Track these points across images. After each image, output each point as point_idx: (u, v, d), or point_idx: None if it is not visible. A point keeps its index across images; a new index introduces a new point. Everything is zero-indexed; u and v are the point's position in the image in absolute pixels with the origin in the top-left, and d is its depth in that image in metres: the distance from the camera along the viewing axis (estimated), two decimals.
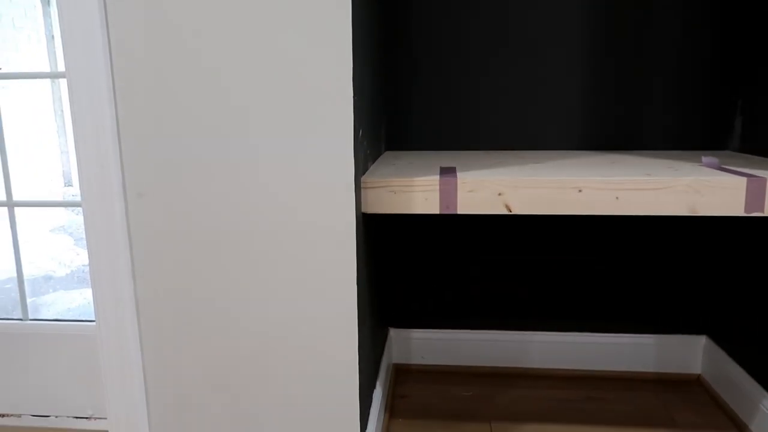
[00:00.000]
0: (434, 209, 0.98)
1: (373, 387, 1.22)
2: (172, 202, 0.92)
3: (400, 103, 1.41)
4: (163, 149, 0.91)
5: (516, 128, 1.40)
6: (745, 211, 0.94)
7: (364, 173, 1.03)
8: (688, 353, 1.47)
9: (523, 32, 1.34)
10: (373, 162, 1.18)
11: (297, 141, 0.88)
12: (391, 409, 1.35)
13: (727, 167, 1.05)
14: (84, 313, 2.24)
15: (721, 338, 1.39)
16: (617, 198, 0.95)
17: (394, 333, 1.54)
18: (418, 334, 1.53)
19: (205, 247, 0.94)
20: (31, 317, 1.29)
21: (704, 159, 1.10)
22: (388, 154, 1.39)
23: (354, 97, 0.87)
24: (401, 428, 1.27)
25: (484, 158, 1.24)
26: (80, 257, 3.12)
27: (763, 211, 0.94)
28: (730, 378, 1.32)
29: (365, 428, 1.05)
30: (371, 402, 1.16)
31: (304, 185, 0.89)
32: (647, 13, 1.31)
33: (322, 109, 0.87)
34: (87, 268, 2.70)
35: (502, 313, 1.50)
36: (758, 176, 0.94)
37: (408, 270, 1.51)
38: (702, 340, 1.46)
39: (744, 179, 0.93)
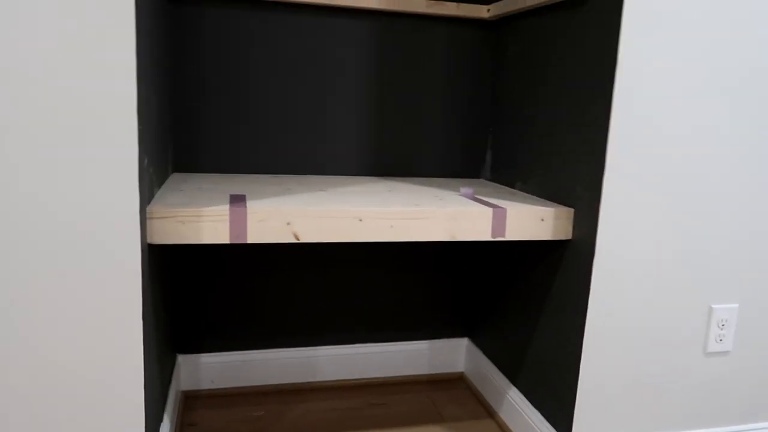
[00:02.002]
0: (224, 239, 1.00)
1: (161, 420, 1.18)
2: None
3: (188, 124, 1.39)
4: None
5: (303, 154, 1.46)
6: (492, 236, 1.13)
7: (150, 201, 1.00)
8: (454, 354, 1.68)
9: (312, 64, 1.42)
10: (159, 187, 1.15)
11: (79, 169, 0.83)
12: None
13: (479, 197, 1.24)
14: None
15: (478, 340, 1.62)
16: (392, 227, 1.07)
17: (182, 359, 1.50)
18: (207, 359, 1.51)
19: None
20: None
21: (462, 190, 1.28)
22: (176, 176, 1.35)
23: (139, 126, 0.85)
24: None
25: (272, 184, 1.29)
26: None
27: (504, 236, 1.14)
28: (485, 373, 1.55)
29: None
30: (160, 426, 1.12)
31: (88, 215, 0.84)
32: (420, 69, 1.48)
33: (107, 140, 0.83)
34: None
35: (289, 332, 1.56)
36: (501, 207, 1.13)
37: (195, 295, 1.48)
38: (464, 342, 1.69)
39: (490, 210, 1.12)
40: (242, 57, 1.38)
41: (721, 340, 1.21)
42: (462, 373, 1.69)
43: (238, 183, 1.28)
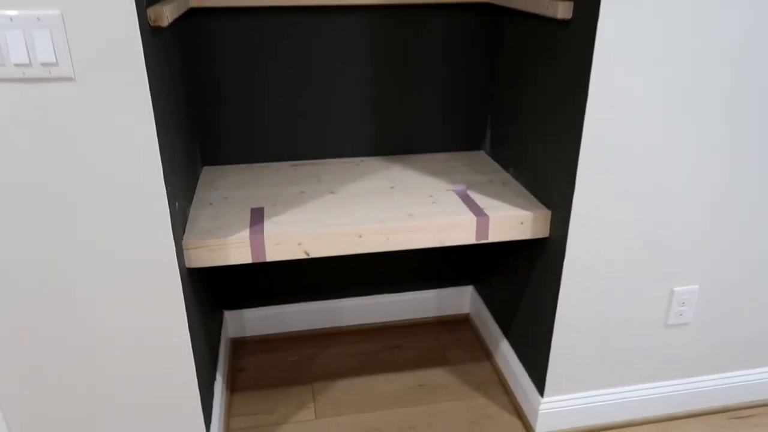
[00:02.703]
0: (248, 260, 1.22)
1: (216, 367, 1.49)
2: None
3: (212, 122, 1.55)
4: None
5: (317, 139, 1.61)
6: (476, 240, 1.30)
7: (184, 227, 1.22)
8: (460, 299, 1.92)
9: (319, 57, 1.52)
10: (191, 202, 1.35)
11: (134, 219, 1.04)
12: (232, 385, 1.64)
13: (470, 194, 1.40)
14: None
15: (480, 289, 1.85)
16: (387, 239, 1.26)
17: (228, 314, 1.79)
18: (249, 313, 1.80)
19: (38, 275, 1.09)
20: None
21: (456, 187, 1.43)
22: (206, 172, 1.55)
23: (167, 187, 1.04)
24: (241, 402, 1.57)
25: (288, 183, 1.46)
26: None
27: (487, 239, 1.31)
28: (484, 320, 1.79)
29: (210, 413, 1.32)
30: (214, 380, 1.43)
31: (140, 251, 1.07)
32: (423, 52, 1.56)
33: (144, 199, 1.03)
34: None
35: (317, 288, 1.82)
36: (485, 215, 1.29)
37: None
38: (469, 289, 1.92)
39: (475, 218, 1.28)
40: (255, 57, 1.50)
41: (680, 314, 1.39)
42: (468, 314, 1.94)
43: (258, 186, 1.46)
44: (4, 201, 0.98)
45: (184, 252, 1.18)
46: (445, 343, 1.81)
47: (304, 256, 1.24)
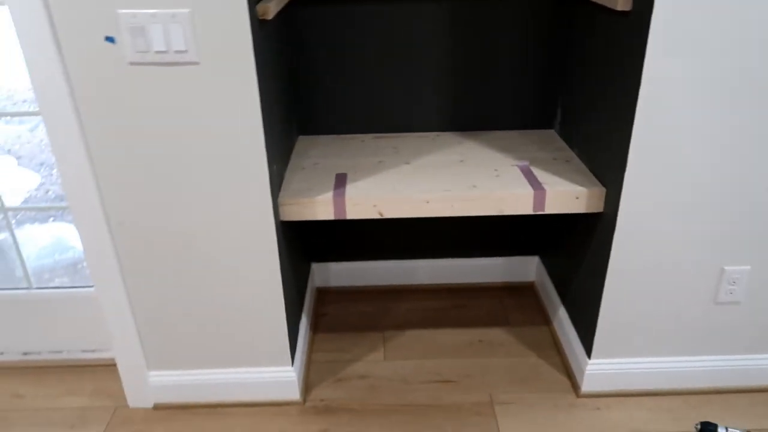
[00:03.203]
0: (330, 216, 1.43)
1: (301, 310, 1.74)
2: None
3: (308, 97, 1.76)
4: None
5: (400, 114, 1.79)
6: (533, 211, 1.44)
7: (280, 186, 1.45)
8: (526, 268, 2.05)
9: (403, 42, 1.69)
10: (287, 165, 1.59)
11: (242, 184, 1.28)
12: (315, 327, 1.89)
13: (531, 170, 1.52)
14: (58, 251, 2.59)
15: (545, 259, 1.97)
16: (452, 206, 1.43)
17: (315, 266, 2.04)
18: (334, 266, 2.04)
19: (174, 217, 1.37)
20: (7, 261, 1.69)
21: (519, 163, 1.57)
22: (301, 140, 1.78)
23: (267, 153, 1.27)
24: (321, 341, 1.82)
25: (369, 154, 1.66)
26: (30, 181, 3.35)
27: (544, 210, 1.44)
28: (546, 288, 1.92)
29: (295, 347, 1.58)
30: (299, 327, 1.68)
31: (246, 207, 1.32)
32: (500, 37, 1.68)
33: (250, 166, 1.27)
34: (40, 193, 2.95)
35: (396, 249, 2.02)
36: (542, 189, 1.42)
37: (324, 224, 1.97)
38: (535, 259, 2.04)
39: (532, 191, 1.42)
40: (345, 40, 1.69)
41: (731, 293, 1.45)
42: (532, 282, 2.07)
43: (343, 155, 1.66)
44: (145, 154, 1.26)
45: (279, 207, 1.41)
46: (507, 307, 1.96)
47: (378, 216, 1.44)
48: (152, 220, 1.33)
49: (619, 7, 1.25)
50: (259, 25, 1.23)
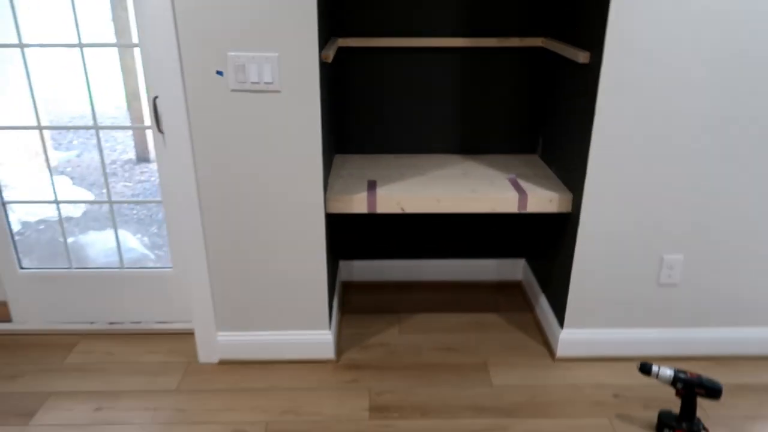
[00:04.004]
0: (364, 210, 1.88)
1: (333, 295, 2.17)
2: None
3: (344, 124, 2.24)
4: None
5: (416, 139, 2.27)
6: (518, 210, 1.90)
7: (326, 188, 1.90)
8: (514, 269, 2.50)
9: (420, 83, 2.18)
10: (330, 170, 2.05)
11: (303, 182, 1.74)
12: (342, 308, 2.32)
13: (518, 181, 1.99)
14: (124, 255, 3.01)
15: (530, 261, 2.41)
16: (457, 204, 1.88)
17: (342, 264, 2.48)
18: (357, 263, 2.48)
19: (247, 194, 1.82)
20: (78, 258, 2.12)
21: (508, 176, 2.03)
22: (337, 158, 2.25)
23: (323, 161, 1.73)
24: (348, 321, 2.24)
25: (393, 167, 2.12)
26: (84, 197, 3.79)
27: (526, 210, 1.90)
28: (531, 283, 2.36)
29: (331, 316, 2.00)
30: (333, 302, 2.11)
31: (305, 203, 1.77)
32: (495, 80, 2.18)
33: (310, 167, 1.73)
34: (95, 208, 3.39)
35: (407, 251, 2.46)
36: (525, 193, 1.88)
37: (350, 226, 2.42)
38: (522, 261, 2.49)
39: (517, 195, 1.88)
40: (375, 79, 2.18)
41: (670, 276, 1.90)
42: (520, 281, 2.51)
43: (372, 168, 2.13)
44: (237, 155, 1.72)
45: (327, 203, 1.86)
46: (498, 299, 2.39)
47: (401, 211, 1.89)
48: (234, 212, 1.77)
49: (581, 61, 1.74)
50: (321, 65, 1.71)
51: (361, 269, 2.49)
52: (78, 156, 4.89)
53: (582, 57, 1.74)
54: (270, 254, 1.84)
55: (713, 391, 1.59)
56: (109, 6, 3.86)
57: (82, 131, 5.53)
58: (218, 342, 1.97)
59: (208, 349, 1.98)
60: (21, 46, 1.87)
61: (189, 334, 2.10)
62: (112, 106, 5.14)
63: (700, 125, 1.72)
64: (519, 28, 2.11)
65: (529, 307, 2.34)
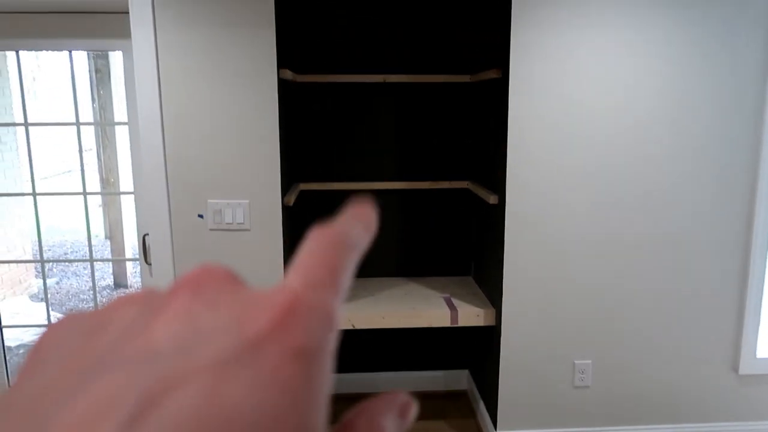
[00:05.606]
0: None
1: None
2: None
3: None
4: None
5: (367, 264, 2.64)
6: (450, 324, 2.24)
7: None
8: (460, 379, 2.79)
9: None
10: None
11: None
12: None
13: (452, 300, 2.35)
14: None
15: (472, 371, 2.71)
16: (399, 320, 2.22)
17: None
18: None
19: None
20: None
21: (443, 296, 2.40)
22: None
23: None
24: None
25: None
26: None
27: (458, 324, 2.24)
28: (473, 391, 2.64)
29: None
30: None
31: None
32: (434, 213, 2.61)
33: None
34: None
35: (361, 364, 2.74)
36: (456, 310, 2.24)
37: None
38: (466, 372, 2.79)
39: (449, 312, 2.23)
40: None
41: (582, 380, 2.22)
42: (466, 390, 2.79)
43: None
44: None
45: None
46: (446, 408, 2.66)
47: (351, 327, 2.22)
48: None
49: (491, 202, 2.18)
50: (284, 208, 2.11)
51: None
52: (57, 283, 5.13)
53: (492, 199, 2.18)
54: None
55: None
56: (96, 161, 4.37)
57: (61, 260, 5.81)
58: None
59: None
60: (30, 194, 2.25)
61: None
62: (92, 237, 5.50)
63: (588, 247, 2.14)
64: (449, 173, 2.59)
65: (472, 413, 2.61)
